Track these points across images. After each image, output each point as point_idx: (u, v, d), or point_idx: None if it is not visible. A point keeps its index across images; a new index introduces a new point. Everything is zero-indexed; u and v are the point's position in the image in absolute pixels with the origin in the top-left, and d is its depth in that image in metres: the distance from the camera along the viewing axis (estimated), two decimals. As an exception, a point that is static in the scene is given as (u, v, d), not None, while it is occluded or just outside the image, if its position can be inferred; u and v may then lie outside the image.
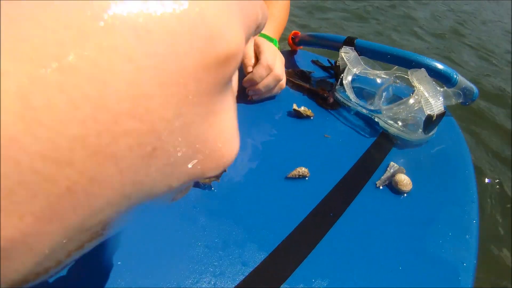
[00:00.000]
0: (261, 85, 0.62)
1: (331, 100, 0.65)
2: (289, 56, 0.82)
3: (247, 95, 0.65)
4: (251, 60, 0.64)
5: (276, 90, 0.65)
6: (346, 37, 0.70)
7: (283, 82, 0.65)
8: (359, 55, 0.67)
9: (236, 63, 0.13)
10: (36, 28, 0.10)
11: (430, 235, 0.45)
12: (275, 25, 0.79)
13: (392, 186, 0.50)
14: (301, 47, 0.85)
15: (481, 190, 1.33)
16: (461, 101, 0.68)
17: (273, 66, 0.62)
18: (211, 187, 0.45)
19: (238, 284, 0.35)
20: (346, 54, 0.66)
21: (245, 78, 0.64)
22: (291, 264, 0.38)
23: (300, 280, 0.37)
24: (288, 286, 0.36)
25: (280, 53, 0.66)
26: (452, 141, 0.64)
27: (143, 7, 0.11)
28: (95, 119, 0.10)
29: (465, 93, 0.67)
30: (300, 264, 0.38)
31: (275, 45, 0.73)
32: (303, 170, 0.49)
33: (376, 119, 0.61)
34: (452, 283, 0.40)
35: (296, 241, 0.41)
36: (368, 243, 0.42)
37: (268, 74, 0.62)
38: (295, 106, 0.61)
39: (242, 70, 0.66)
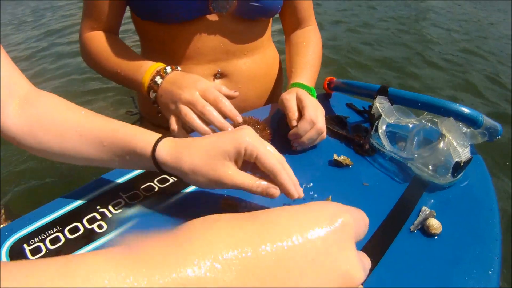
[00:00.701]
0: (305, 138, 0.71)
1: (367, 146, 0.74)
2: (325, 100, 0.91)
3: (291, 145, 0.74)
4: (295, 114, 0.73)
5: (318, 141, 0.74)
6: (380, 86, 0.78)
7: (324, 134, 0.73)
8: (392, 103, 0.75)
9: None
10: None
11: (457, 273, 0.52)
12: (311, 74, 0.87)
13: (424, 230, 0.57)
14: (335, 91, 0.94)
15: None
16: (486, 139, 0.74)
17: (316, 121, 0.71)
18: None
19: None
20: (381, 104, 0.74)
21: (290, 132, 0.73)
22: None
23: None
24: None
25: (320, 106, 0.75)
26: (478, 180, 0.70)
27: None
28: None
29: (490, 132, 0.74)
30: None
31: (313, 94, 0.81)
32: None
33: (408, 164, 0.69)
34: None
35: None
36: (403, 284, 0.50)
37: (311, 128, 0.71)
38: (335, 156, 0.70)
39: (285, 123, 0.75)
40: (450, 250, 0.56)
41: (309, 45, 0.94)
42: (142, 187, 0.65)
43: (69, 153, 0.60)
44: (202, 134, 0.68)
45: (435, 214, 0.59)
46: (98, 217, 0.60)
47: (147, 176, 0.68)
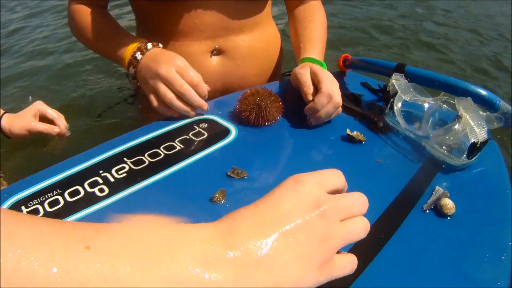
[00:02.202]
0: (322, 113, 0.69)
1: (381, 124, 0.71)
2: (339, 78, 0.88)
3: (307, 120, 0.72)
4: (310, 88, 0.71)
5: (334, 115, 0.72)
6: (396, 63, 0.76)
7: (340, 108, 0.71)
8: (409, 81, 0.73)
9: None
10: None
11: (470, 256, 0.50)
12: (320, 48, 0.85)
13: (437, 210, 0.55)
14: (350, 69, 0.91)
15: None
16: (502, 124, 0.72)
17: (333, 94, 0.69)
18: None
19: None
20: (397, 81, 0.72)
21: (307, 107, 0.71)
22: (342, 283, 0.45)
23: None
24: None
25: (335, 79, 0.73)
26: (492, 164, 0.68)
27: None
28: None
29: (507, 117, 0.71)
30: (352, 284, 0.45)
31: (325, 68, 0.79)
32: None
33: (423, 144, 0.67)
34: None
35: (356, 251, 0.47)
36: (414, 263, 0.48)
37: (328, 102, 0.69)
38: (348, 131, 0.68)
39: (300, 96, 0.73)
40: (463, 232, 0.54)
41: (315, 20, 0.91)
42: (147, 153, 0.64)
43: None
44: (182, 112, 0.72)
45: (448, 195, 0.57)
46: (100, 181, 0.59)
47: (154, 143, 0.67)
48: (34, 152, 0.99)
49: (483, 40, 2.79)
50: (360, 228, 0.37)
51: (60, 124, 1.02)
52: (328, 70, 0.80)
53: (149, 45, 0.76)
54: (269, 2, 0.95)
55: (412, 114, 0.75)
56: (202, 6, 0.82)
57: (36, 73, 1.99)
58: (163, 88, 0.70)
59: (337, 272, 0.35)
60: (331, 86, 0.70)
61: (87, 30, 0.86)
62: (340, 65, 0.90)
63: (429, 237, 0.52)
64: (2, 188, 0.78)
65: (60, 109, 1.07)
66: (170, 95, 0.70)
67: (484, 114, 0.71)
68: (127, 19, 2.81)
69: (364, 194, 0.39)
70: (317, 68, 0.74)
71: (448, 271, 0.48)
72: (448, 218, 0.55)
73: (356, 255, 0.39)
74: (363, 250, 0.48)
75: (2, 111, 0.96)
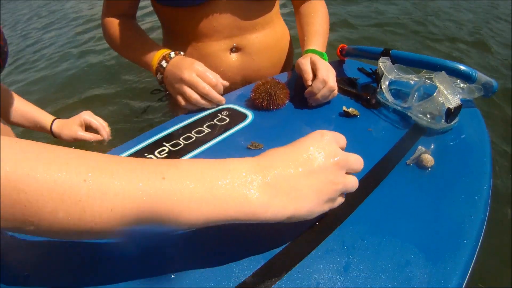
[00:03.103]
0: (318, 95, 0.83)
1: (373, 101, 0.84)
2: (339, 66, 1.02)
3: (308, 102, 0.86)
4: (309, 75, 0.85)
5: (330, 97, 0.85)
6: (383, 49, 0.89)
7: (336, 91, 0.85)
8: (394, 63, 0.85)
9: None
10: None
11: (446, 198, 0.61)
12: (322, 41, 0.98)
13: (419, 163, 0.68)
14: (347, 57, 1.05)
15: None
16: (482, 94, 0.83)
17: (328, 80, 0.82)
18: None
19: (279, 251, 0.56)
20: (383, 63, 0.85)
21: (306, 91, 0.85)
22: (336, 219, 0.58)
23: (346, 233, 0.57)
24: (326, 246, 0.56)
25: (331, 68, 0.86)
26: (474, 128, 0.79)
27: None
28: None
29: (486, 88, 0.83)
30: (342, 223, 0.58)
31: (325, 59, 0.92)
32: (352, 156, 0.69)
33: (409, 114, 0.79)
34: (461, 233, 0.55)
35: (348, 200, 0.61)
36: (397, 205, 0.60)
37: (323, 86, 0.82)
38: (344, 108, 0.81)
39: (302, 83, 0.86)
40: (441, 180, 0.65)
41: (317, 15, 1.05)
42: (182, 137, 0.78)
43: None
44: (206, 107, 0.88)
45: (430, 152, 0.70)
46: (147, 162, 0.73)
47: (186, 129, 0.81)
48: (82, 144, 1.14)
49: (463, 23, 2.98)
50: (355, 182, 0.52)
51: (104, 133, 1.15)
52: (330, 59, 0.93)
53: (172, 53, 0.91)
54: (277, 2, 1.10)
55: (400, 91, 0.88)
56: (218, 10, 0.97)
57: (80, 78, 2.24)
58: (188, 91, 0.85)
59: (335, 206, 0.51)
60: (326, 73, 0.83)
61: (119, 41, 1.02)
62: (338, 54, 1.04)
63: (411, 185, 0.64)
64: None
65: (103, 110, 1.22)
66: (195, 96, 0.85)
67: (465, 86, 0.84)
68: (152, 22, 3.03)
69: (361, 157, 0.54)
70: (316, 58, 0.87)
71: (427, 210, 0.59)
72: (429, 169, 0.67)
73: (348, 198, 0.53)
74: (354, 194, 0.61)
75: (54, 118, 1.11)
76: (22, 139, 0.35)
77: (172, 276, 0.49)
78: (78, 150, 0.38)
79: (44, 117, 1.02)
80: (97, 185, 0.35)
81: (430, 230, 0.56)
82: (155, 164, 0.40)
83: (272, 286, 0.48)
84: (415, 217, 0.58)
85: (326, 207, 0.49)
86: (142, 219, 0.37)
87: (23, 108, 0.99)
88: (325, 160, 0.47)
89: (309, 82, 0.85)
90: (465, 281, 0.52)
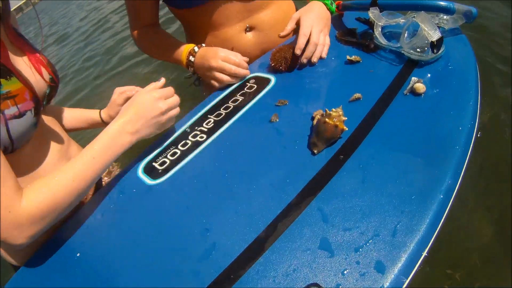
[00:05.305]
0: (307, 51, 1.00)
1: (372, 46, 1.00)
2: (338, 19, 1.17)
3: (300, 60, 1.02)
4: (286, 31, 1.03)
5: (319, 53, 1.02)
6: (371, 0, 1.03)
7: (323, 45, 1.02)
8: (383, 11, 1.00)
9: None
10: None
11: (438, 116, 0.76)
12: None
13: (413, 92, 0.83)
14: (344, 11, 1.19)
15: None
16: (465, 21, 0.97)
17: (311, 35, 0.99)
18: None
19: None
20: (372, 13, 1.00)
21: (295, 49, 1.00)
22: (362, 134, 0.76)
23: (361, 155, 0.75)
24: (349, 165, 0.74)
25: (321, 21, 1.02)
26: (460, 53, 0.92)
27: None
28: None
29: (467, 15, 0.96)
30: (359, 146, 0.76)
31: (328, 6, 1.07)
32: (358, 95, 0.86)
33: (402, 51, 0.95)
34: (451, 142, 0.70)
35: (362, 125, 0.79)
36: (399, 127, 0.76)
37: (308, 43, 0.99)
38: (348, 57, 0.97)
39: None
40: (433, 102, 0.80)
41: None
42: (222, 108, 0.97)
43: None
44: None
45: (421, 81, 0.84)
46: (198, 133, 0.93)
47: (223, 101, 1.01)
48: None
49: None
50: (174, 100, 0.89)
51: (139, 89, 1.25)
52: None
53: (196, 48, 1.10)
54: None
55: (393, 32, 1.03)
56: (227, 1, 1.13)
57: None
58: (219, 75, 1.04)
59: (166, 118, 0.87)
60: (308, 29, 0.99)
61: (150, 47, 1.23)
62: (337, 10, 1.18)
63: (409, 110, 0.80)
64: (113, 170, 1.14)
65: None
66: (226, 78, 1.04)
67: (448, 17, 0.97)
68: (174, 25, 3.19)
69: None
70: (304, 11, 1.03)
71: (422, 128, 0.75)
72: (422, 95, 0.82)
73: (359, 128, 0.73)
74: (364, 123, 0.79)
75: (98, 110, 1.19)
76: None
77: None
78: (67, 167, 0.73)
79: (92, 114, 1.15)
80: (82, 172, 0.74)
81: (426, 143, 0.72)
82: (88, 154, 0.76)
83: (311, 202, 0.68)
84: (413, 135, 0.75)
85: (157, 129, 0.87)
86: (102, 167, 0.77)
87: (73, 114, 1.13)
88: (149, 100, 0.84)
89: (284, 34, 1.02)
90: (459, 181, 0.68)
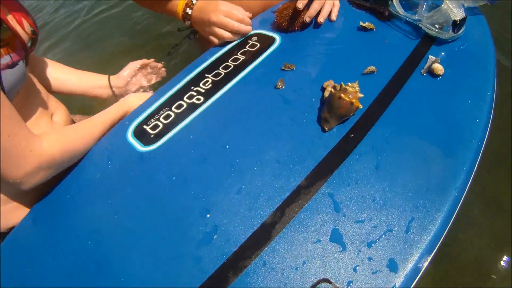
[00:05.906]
0: (311, 9, 0.91)
1: (387, 13, 0.92)
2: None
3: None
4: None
5: (333, 13, 0.95)
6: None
7: (332, 3, 0.94)
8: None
9: None
10: None
11: (456, 104, 0.73)
12: None
13: (431, 72, 0.79)
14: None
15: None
16: (488, 1, 0.90)
17: None
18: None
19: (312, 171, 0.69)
20: (392, -23, 0.91)
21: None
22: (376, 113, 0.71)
23: (375, 137, 0.70)
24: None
25: None
26: (479, 35, 0.88)
27: None
28: None
29: (490, -5, 0.89)
30: (375, 124, 0.71)
31: None
32: (372, 68, 0.80)
33: (419, 25, 0.88)
34: (469, 134, 0.68)
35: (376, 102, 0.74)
36: (414, 110, 0.73)
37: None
38: (361, 23, 0.90)
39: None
40: (451, 87, 0.76)
41: None
42: (221, 67, 0.89)
43: None
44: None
45: (439, 61, 0.80)
46: (195, 94, 0.85)
47: (222, 60, 0.92)
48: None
49: None
50: None
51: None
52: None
53: (194, 0, 0.97)
54: None
55: (411, 2, 0.95)
56: None
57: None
58: (220, 32, 0.93)
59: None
60: None
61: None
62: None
63: (425, 92, 0.76)
64: None
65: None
66: (227, 35, 0.94)
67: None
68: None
69: None
70: None
71: (438, 116, 0.71)
72: (439, 78, 0.78)
73: (373, 106, 0.68)
74: (377, 102, 0.74)
75: (107, 76, 1.11)
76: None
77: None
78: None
79: (99, 78, 1.08)
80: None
81: (442, 132, 0.69)
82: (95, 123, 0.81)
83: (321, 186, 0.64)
84: (429, 120, 0.71)
85: None
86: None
87: (71, 75, 1.04)
88: None
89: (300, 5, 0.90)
90: (472, 176, 0.66)
